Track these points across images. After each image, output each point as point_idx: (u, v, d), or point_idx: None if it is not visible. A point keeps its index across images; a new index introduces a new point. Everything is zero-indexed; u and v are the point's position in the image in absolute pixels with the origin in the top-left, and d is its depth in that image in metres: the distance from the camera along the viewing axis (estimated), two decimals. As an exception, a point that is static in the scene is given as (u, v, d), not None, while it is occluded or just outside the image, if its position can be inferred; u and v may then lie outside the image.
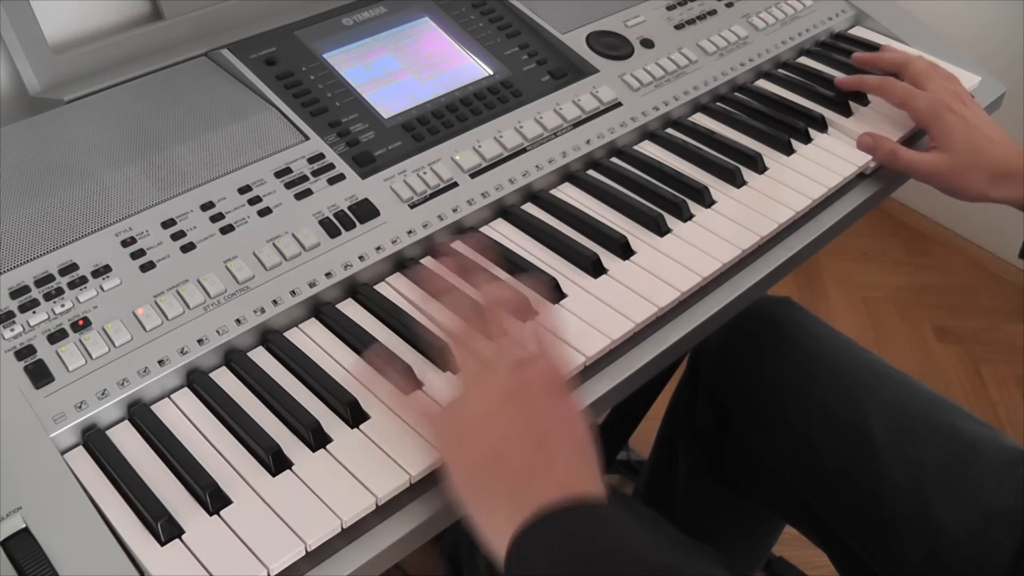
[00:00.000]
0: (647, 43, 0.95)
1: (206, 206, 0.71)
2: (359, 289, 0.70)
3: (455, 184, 0.77)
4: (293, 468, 0.58)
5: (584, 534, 0.51)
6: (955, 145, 0.85)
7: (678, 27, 0.98)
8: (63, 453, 0.58)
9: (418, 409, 0.61)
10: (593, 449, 0.57)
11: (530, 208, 0.79)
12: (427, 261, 0.73)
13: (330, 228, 0.72)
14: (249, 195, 0.72)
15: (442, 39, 0.89)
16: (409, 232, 0.73)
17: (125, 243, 0.67)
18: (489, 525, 0.54)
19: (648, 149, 0.87)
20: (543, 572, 0.50)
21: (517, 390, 0.57)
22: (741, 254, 0.76)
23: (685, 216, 0.79)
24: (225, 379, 0.64)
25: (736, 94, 0.95)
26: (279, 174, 0.74)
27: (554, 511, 0.51)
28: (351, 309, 0.69)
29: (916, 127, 0.91)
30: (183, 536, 0.54)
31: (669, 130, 0.90)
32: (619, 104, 0.88)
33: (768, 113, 0.92)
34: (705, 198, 0.81)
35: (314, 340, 0.67)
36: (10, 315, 0.62)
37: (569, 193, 0.81)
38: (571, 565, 0.49)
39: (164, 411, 0.61)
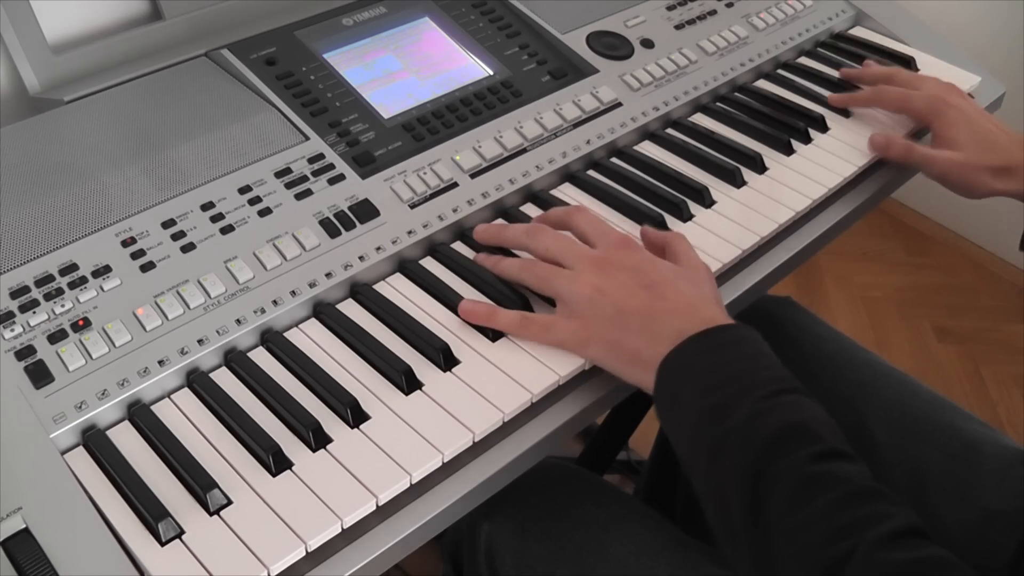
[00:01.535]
0: (647, 43, 0.95)
1: (206, 206, 0.71)
2: (359, 289, 0.70)
3: (455, 184, 0.77)
4: (293, 468, 0.58)
5: (713, 359, 0.59)
6: (960, 138, 0.85)
7: (678, 27, 0.98)
8: (63, 453, 0.58)
9: (539, 323, 0.66)
10: (689, 276, 0.66)
11: (530, 208, 0.79)
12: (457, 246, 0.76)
13: (330, 228, 0.72)
14: (249, 195, 0.72)
15: (442, 39, 0.89)
16: (409, 232, 0.73)
17: (125, 243, 0.67)
18: (641, 372, 0.62)
19: (648, 149, 0.87)
20: (685, 398, 0.58)
21: (603, 259, 0.66)
22: (741, 254, 0.76)
23: (685, 216, 0.79)
24: (225, 379, 0.64)
25: (736, 94, 0.95)
26: (279, 174, 0.74)
27: (686, 340, 0.59)
28: (351, 309, 0.69)
29: (916, 128, 0.91)
30: (183, 536, 0.54)
31: (669, 130, 0.90)
32: (619, 104, 0.88)
33: (768, 113, 0.92)
34: (705, 198, 0.81)
35: (314, 340, 0.67)
36: (10, 315, 0.62)
37: (569, 193, 0.81)
38: (704, 387, 0.58)
39: (164, 411, 0.61)
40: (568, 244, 0.68)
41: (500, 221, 0.74)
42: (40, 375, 0.60)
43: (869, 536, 0.49)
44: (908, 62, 1.01)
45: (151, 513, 0.54)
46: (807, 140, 0.89)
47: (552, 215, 0.73)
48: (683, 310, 0.62)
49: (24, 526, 0.53)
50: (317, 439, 0.59)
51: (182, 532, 0.54)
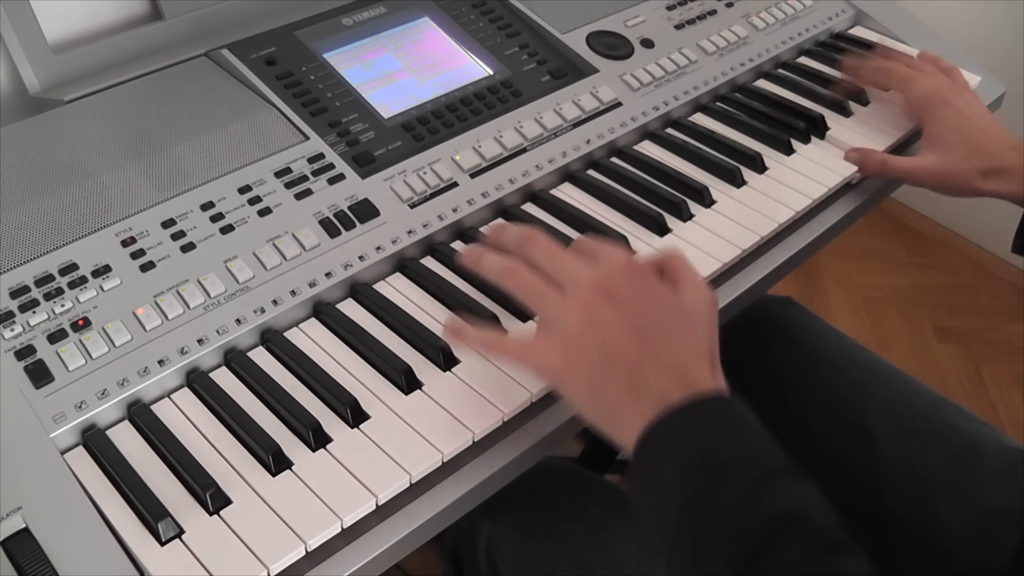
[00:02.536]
0: (647, 43, 0.95)
1: (206, 206, 0.71)
2: (359, 289, 0.70)
3: (455, 184, 0.77)
4: (293, 468, 0.58)
5: (699, 437, 0.52)
6: (947, 138, 0.84)
7: (678, 27, 0.98)
8: (63, 453, 0.58)
9: (511, 347, 0.59)
10: (689, 316, 0.58)
11: (530, 208, 0.79)
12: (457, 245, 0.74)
13: (330, 228, 0.72)
14: (249, 195, 0.72)
15: (442, 39, 0.89)
16: (409, 232, 0.73)
17: (125, 243, 0.67)
18: (617, 428, 0.56)
19: (648, 149, 0.87)
20: (667, 480, 0.52)
21: (600, 284, 0.58)
22: (741, 254, 0.76)
23: (685, 216, 0.79)
24: (225, 379, 0.64)
25: (736, 94, 0.95)
26: (279, 174, 0.74)
27: (668, 414, 0.53)
28: (351, 309, 0.69)
29: (914, 128, 0.91)
30: (183, 536, 0.54)
31: (669, 130, 0.90)
32: (619, 104, 0.88)
33: (768, 113, 0.92)
34: (705, 198, 0.81)
35: (314, 340, 0.67)
36: (10, 315, 0.62)
37: (569, 193, 0.81)
38: (689, 467, 0.51)
39: (164, 411, 0.61)
40: (563, 258, 0.60)
41: (500, 220, 0.71)
42: (40, 375, 0.60)
43: None
44: (908, 62, 1.01)
45: (151, 513, 0.54)
46: (807, 140, 0.89)
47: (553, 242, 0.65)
48: (672, 368, 0.55)
49: (24, 526, 0.53)
50: (317, 439, 0.59)
51: (182, 532, 0.54)
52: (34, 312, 0.62)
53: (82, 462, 0.58)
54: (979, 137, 0.84)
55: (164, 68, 0.81)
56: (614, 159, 0.85)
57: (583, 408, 0.57)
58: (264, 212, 0.71)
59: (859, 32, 1.08)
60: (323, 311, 0.68)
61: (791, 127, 0.90)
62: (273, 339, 0.66)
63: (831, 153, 0.88)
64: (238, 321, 0.65)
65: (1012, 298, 1.98)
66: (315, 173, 0.75)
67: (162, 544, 0.54)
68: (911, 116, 0.91)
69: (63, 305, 0.63)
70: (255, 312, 0.66)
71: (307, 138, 0.77)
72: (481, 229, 0.71)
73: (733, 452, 0.52)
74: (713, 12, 1.01)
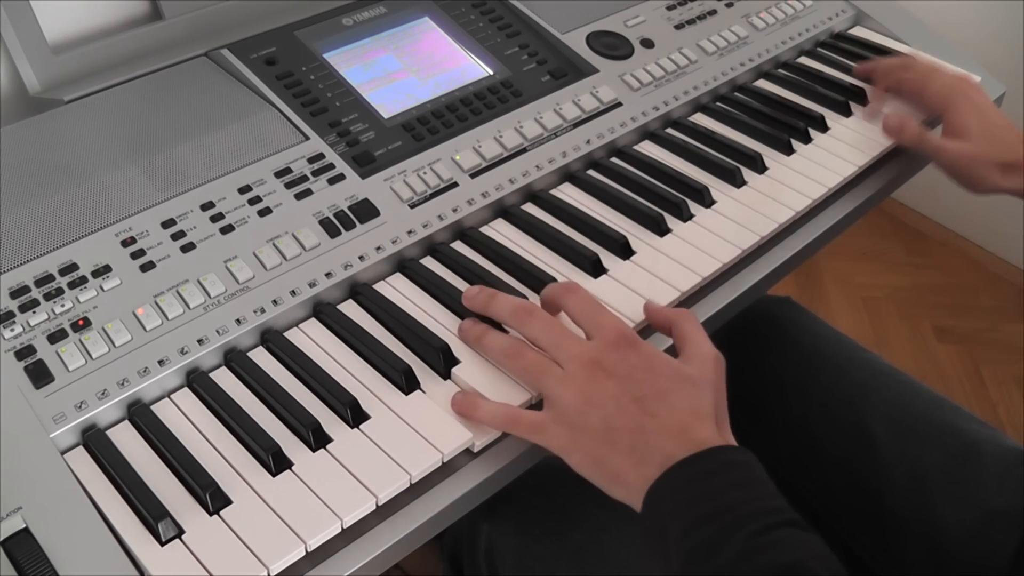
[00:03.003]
0: (647, 43, 0.95)
1: (206, 206, 0.71)
2: (359, 289, 0.70)
3: (455, 184, 0.77)
4: (293, 468, 0.58)
5: (700, 489, 0.54)
6: (971, 131, 0.84)
7: (678, 27, 0.98)
8: (63, 453, 0.58)
9: (526, 422, 0.60)
10: (690, 379, 0.60)
11: (530, 208, 0.79)
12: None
13: (330, 228, 0.72)
14: (249, 195, 0.72)
15: (442, 39, 0.89)
16: (409, 232, 0.73)
17: (125, 243, 0.67)
18: (624, 492, 0.57)
19: (648, 149, 0.87)
20: (673, 532, 0.53)
21: (595, 362, 0.60)
22: (741, 254, 0.76)
23: (685, 216, 0.79)
24: (225, 379, 0.64)
25: (736, 94, 0.95)
26: (279, 174, 0.74)
27: (672, 467, 0.54)
28: (351, 309, 0.69)
29: (926, 119, 0.91)
30: (183, 536, 0.54)
31: (669, 130, 0.90)
32: (619, 104, 0.88)
33: (768, 113, 0.92)
34: (705, 198, 0.81)
35: (314, 340, 0.67)
36: (10, 315, 0.62)
37: (569, 193, 0.81)
38: (691, 520, 0.53)
39: (164, 411, 0.61)
40: (559, 338, 0.62)
41: (489, 290, 0.67)
42: (40, 375, 0.60)
43: None
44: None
45: (151, 513, 0.54)
46: (807, 140, 0.89)
47: (545, 294, 0.67)
48: (673, 431, 0.56)
49: (24, 526, 0.53)
50: (317, 439, 0.59)
51: (182, 532, 0.54)
52: (34, 312, 0.62)
53: (82, 462, 0.58)
54: (999, 131, 0.84)
55: (164, 68, 0.81)
56: (614, 159, 0.85)
57: (591, 478, 0.58)
58: (264, 212, 0.71)
59: (859, 32, 1.08)
60: (323, 311, 0.68)
61: (791, 127, 0.90)
62: (273, 339, 0.66)
63: (831, 153, 0.88)
64: (238, 321, 0.65)
65: (1012, 298, 1.98)
66: (315, 173, 0.75)
67: (162, 544, 0.54)
68: (929, 112, 0.91)
69: (63, 305, 0.63)
70: (255, 312, 0.66)
71: (307, 138, 0.77)
72: (466, 295, 0.67)
73: (733, 504, 0.53)
74: (713, 12, 1.01)
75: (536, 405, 0.64)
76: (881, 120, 0.89)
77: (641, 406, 0.57)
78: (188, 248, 0.68)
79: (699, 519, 0.52)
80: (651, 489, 0.55)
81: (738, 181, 0.83)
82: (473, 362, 0.65)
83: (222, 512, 0.56)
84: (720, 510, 0.52)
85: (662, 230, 0.77)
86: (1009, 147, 0.83)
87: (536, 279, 0.71)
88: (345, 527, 0.56)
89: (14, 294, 0.63)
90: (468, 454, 0.61)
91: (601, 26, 0.95)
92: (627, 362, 0.60)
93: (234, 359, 0.65)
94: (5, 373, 0.59)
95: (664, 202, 0.80)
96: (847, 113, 0.93)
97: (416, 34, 0.89)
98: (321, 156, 0.76)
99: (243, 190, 0.72)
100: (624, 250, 0.75)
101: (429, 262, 0.74)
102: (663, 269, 0.74)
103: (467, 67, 0.87)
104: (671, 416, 0.57)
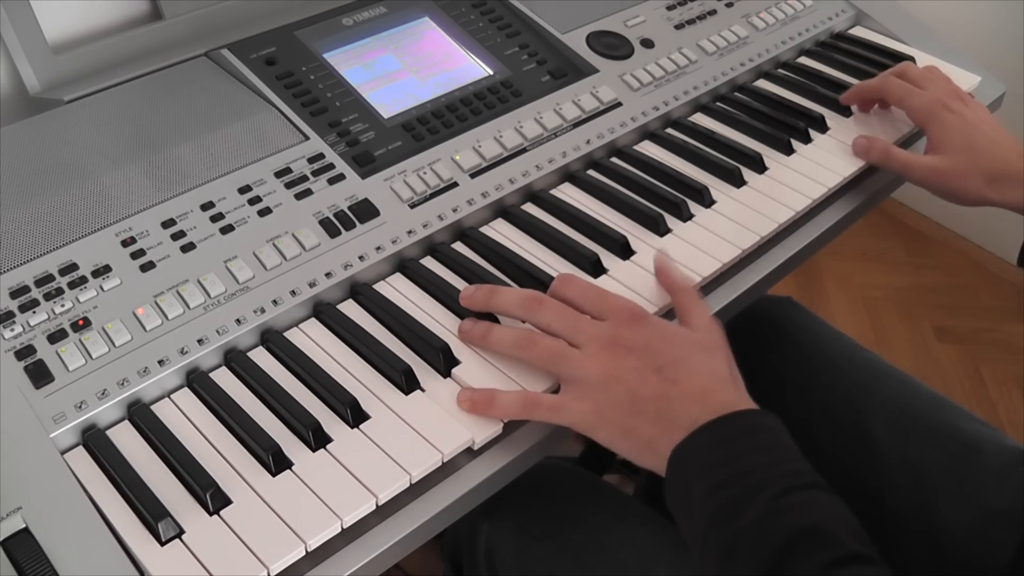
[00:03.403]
0: (647, 43, 0.95)
1: (206, 206, 0.71)
2: (359, 289, 0.70)
3: (455, 184, 0.77)
4: (293, 468, 0.58)
5: (724, 452, 0.55)
6: (952, 144, 0.83)
7: (678, 27, 0.98)
8: (63, 453, 0.58)
9: (546, 404, 0.61)
10: (702, 345, 0.62)
11: (530, 208, 0.79)
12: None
13: (330, 228, 0.72)
14: (249, 195, 0.72)
15: (442, 39, 0.89)
16: (409, 232, 0.73)
17: (125, 243, 0.67)
18: (654, 459, 0.59)
19: (648, 149, 0.87)
20: (696, 494, 0.55)
21: (613, 339, 0.62)
22: (741, 254, 0.76)
23: (685, 216, 0.79)
24: (225, 379, 0.64)
25: (736, 94, 0.95)
26: (279, 174, 0.74)
27: (696, 430, 0.56)
28: (351, 309, 0.69)
29: (915, 129, 0.91)
30: (183, 536, 0.54)
31: (669, 130, 0.90)
32: (619, 104, 0.88)
33: (768, 113, 0.92)
34: (705, 198, 0.81)
35: (314, 340, 0.67)
36: (10, 315, 0.62)
37: (569, 193, 0.81)
38: (716, 482, 0.54)
39: (164, 411, 0.61)
40: (575, 320, 0.63)
41: (487, 286, 0.67)
42: (40, 375, 0.60)
43: None
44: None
45: (151, 513, 0.54)
46: (807, 140, 0.89)
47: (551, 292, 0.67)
48: (697, 394, 0.59)
49: (24, 526, 0.53)
50: (317, 439, 0.59)
51: (182, 532, 0.54)
52: (34, 312, 0.62)
53: (82, 462, 0.58)
54: (985, 144, 0.82)
55: (164, 68, 0.81)
56: (614, 159, 0.85)
57: (621, 450, 0.60)
58: (264, 212, 0.71)
59: (859, 32, 1.08)
60: (323, 311, 0.68)
61: (791, 127, 0.90)
62: (273, 339, 0.66)
63: (831, 153, 0.88)
64: (238, 321, 0.65)
65: (1012, 298, 1.98)
66: (315, 173, 0.75)
67: (162, 544, 0.54)
68: (915, 124, 0.90)
69: (63, 305, 0.63)
70: (255, 312, 0.66)
71: (307, 138, 0.77)
72: (464, 295, 0.67)
73: (757, 467, 0.54)
74: (713, 12, 1.01)
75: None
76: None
77: (662, 375, 0.60)
78: (188, 248, 0.68)
79: (723, 481, 0.54)
80: (675, 451, 0.56)
81: (738, 181, 0.83)
82: (473, 362, 0.65)
83: (222, 512, 0.56)
84: (743, 472, 0.54)
85: (662, 230, 0.77)
86: (995, 159, 0.82)
87: (536, 279, 0.71)
88: (345, 527, 0.56)
89: (14, 294, 0.63)
90: (468, 454, 0.61)
91: (601, 26, 0.95)
92: (642, 336, 0.62)
93: (234, 359, 0.65)
94: (5, 373, 0.59)
95: (664, 202, 0.80)
96: (847, 113, 0.93)
97: (416, 34, 0.89)
98: (321, 156, 0.76)
99: (243, 190, 0.72)
100: (624, 250, 0.75)
101: (429, 262, 0.74)
102: (663, 269, 0.74)
103: (467, 67, 0.87)
104: (691, 381, 0.59)
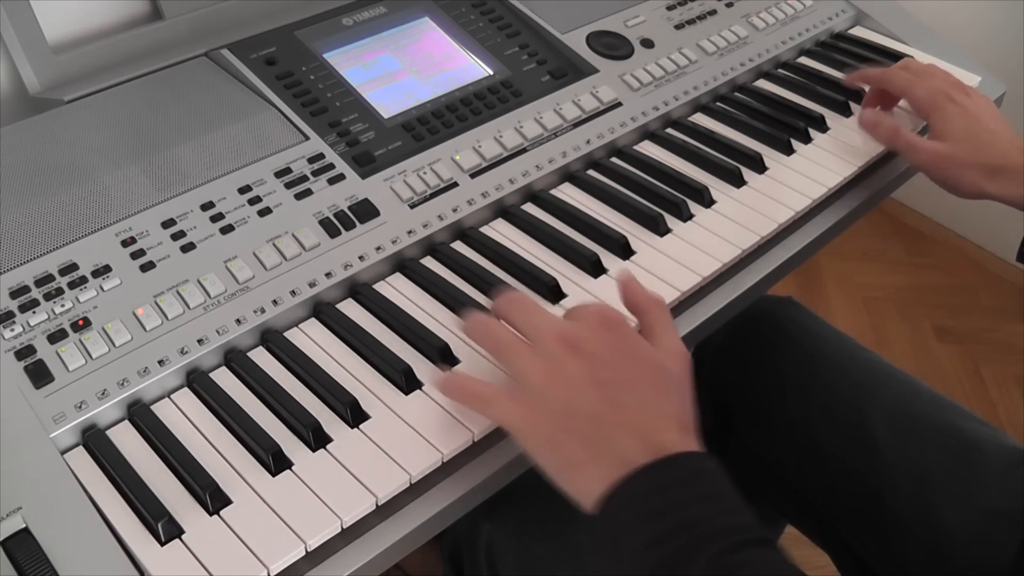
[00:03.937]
0: (647, 43, 0.95)
1: (206, 206, 0.71)
2: (359, 289, 0.70)
3: (455, 184, 0.77)
4: (293, 468, 0.58)
5: (663, 502, 0.50)
6: (954, 134, 0.83)
7: (678, 27, 0.98)
8: (63, 453, 0.58)
9: (476, 392, 0.57)
10: (666, 375, 0.56)
11: (530, 208, 0.79)
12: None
13: (330, 228, 0.72)
14: (249, 195, 0.72)
15: (442, 39, 0.89)
16: (409, 232, 0.73)
17: (125, 243, 0.67)
18: (574, 485, 0.53)
19: (648, 149, 0.87)
20: (628, 546, 0.50)
21: (566, 338, 0.56)
22: (741, 254, 0.76)
23: (685, 216, 0.79)
24: (225, 379, 0.64)
25: (736, 94, 0.95)
26: (279, 174, 0.74)
27: (632, 475, 0.50)
28: (351, 309, 0.69)
29: (915, 128, 0.91)
30: (183, 536, 0.54)
31: (669, 130, 0.90)
32: (619, 104, 0.88)
33: (768, 113, 0.92)
34: (705, 198, 0.81)
35: (314, 340, 0.67)
36: (10, 315, 0.62)
37: (569, 193, 0.81)
38: (652, 535, 0.49)
39: (164, 411, 0.61)
40: (532, 312, 0.58)
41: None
42: (40, 375, 0.60)
43: None
44: (908, 62, 1.01)
45: (151, 513, 0.54)
46: (807, 140, 0.89)
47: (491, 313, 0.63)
48: (635, 428, 0.53)
49: (24, 526, 0.53)
50: (317, 439, 0.59)
51: (182, 532, 0.54)
52: (34, 312, 0.62)
53: (82, 462, 0.58)
54: (985, 136, 0.82)
55: (164, 68, 0.81)
56: (614, 159, 0.85)
57: (541, 462, 0.55)
58: (264, 212, 0.71)
59: (859, 32, 1.08)
60: (323, 311, 0.68)
61: (791, 127, 0.90)
62: (273, 339, 0.66)
63: (831, 153, 0.88)
64: (238, 321, 0.65)
65: (1012, 298, 1.98)
66: (315, 173, 0.75)
67: (162, 544, 0.54)
68: (918, 118, 0.90)
69: (63, 305, 0.63)
70: (255, 312, 0.66)
71: (307, 138, 0.77)
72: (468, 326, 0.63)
73: (702, 518, 0.49)
74: (713, 12, 1.01)
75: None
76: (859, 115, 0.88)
77: (603, 391, 0.54)
78: (188, 248, 0.68)
79: (664, 534, 0.49)
80: (608, 497, 0.51)
81: (738, 181, 0.83)
82: (474, 362, 0.65)
83: (222, 512, 0.55)
84: (684, 524, 0.49)
85: (662, 230, 0.77)
86: (996, 151, 0.81)
87: (536, 279, 0.71)
88: (345, 527, 0.56)
89: (14, 294, 0.63)
90: (468, 454, 0.61)
91: (601, 26, 0.95)
92: (600, 341, 0.56)
93: (234, 359, 0.65)
94: (5, 373, 0.59)
95: (664, 202, 0.80)
96: (847, 113, 0.93)
97: (416, 34, 0.89)
98: (321, 156, 0.76)
99: (243, 190, 0.72)
100: (624, 250, 0.75)
101: (429, 262, 0.74)
102: (663, 269, 0.74)
103: (467, 67, 0.87)
104: (635, 413, 0.53)
